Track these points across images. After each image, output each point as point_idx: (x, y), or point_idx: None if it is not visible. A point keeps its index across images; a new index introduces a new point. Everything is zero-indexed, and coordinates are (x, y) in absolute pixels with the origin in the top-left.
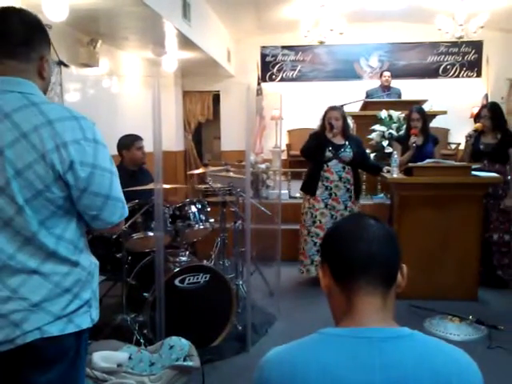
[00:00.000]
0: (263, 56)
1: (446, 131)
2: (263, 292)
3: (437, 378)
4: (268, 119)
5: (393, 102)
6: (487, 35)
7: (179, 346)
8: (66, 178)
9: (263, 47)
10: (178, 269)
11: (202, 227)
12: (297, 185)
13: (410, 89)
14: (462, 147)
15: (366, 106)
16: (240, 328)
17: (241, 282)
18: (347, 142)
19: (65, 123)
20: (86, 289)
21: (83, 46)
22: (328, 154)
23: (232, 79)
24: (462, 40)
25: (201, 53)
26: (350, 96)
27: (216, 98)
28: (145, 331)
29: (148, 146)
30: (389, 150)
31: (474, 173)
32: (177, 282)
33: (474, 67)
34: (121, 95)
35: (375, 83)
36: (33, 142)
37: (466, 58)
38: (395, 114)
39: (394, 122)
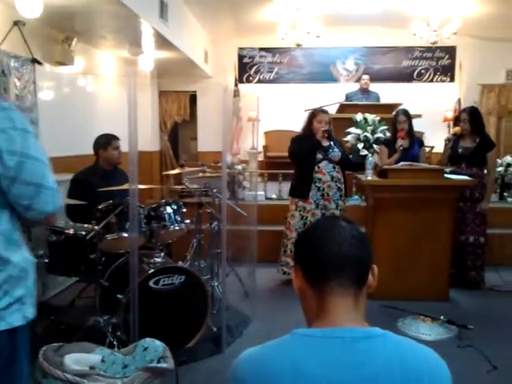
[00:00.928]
0: (241, 57)
1: (420, 134)
2: (239, 293)
3: (408, 376)
4: (245, 120)
5: (369, 106)
6: (460, 41)
7: (153, 347)
8: None
9: (241, 49)
10: (152, 270)
11: (177, 228)
12: (273, 186)
13: (384, 92)
14: (435, 150)
15: (342, 108)
16: (215, 329)
17: (216, 284)
18: (332, 143)
19: None
20: (18, 286)
21: (58, 43)
22: (318, 155)
23: (209, 80)
24: (436, 45)
25: (178, 53)
26: (327, 99)
27: (193, 98)
28: (118, 333)
29: (123, 145)
30: (364, 152)
31: (446, 175)
32: (151, 283)
33: (447, 72)
34: (96, 94)
35: (351, 86)
36: None
37: (440, 63)
38: (370, 117)
39: (370, 125)
